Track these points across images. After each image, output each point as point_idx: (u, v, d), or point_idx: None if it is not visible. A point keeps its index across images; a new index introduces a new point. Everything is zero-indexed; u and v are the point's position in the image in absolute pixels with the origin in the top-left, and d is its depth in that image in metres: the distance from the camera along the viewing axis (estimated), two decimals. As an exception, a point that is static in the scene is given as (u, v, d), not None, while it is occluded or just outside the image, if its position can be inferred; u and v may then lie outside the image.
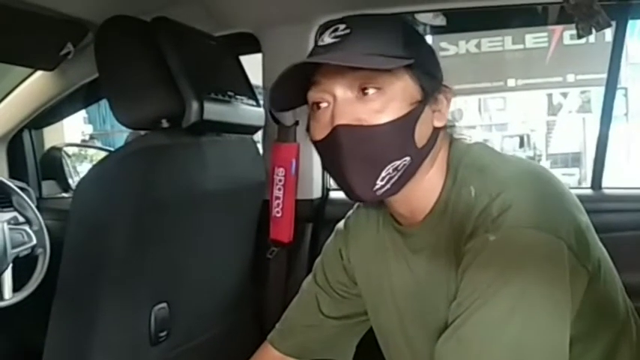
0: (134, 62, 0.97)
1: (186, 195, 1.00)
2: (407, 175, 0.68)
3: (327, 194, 1.41)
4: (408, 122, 0.66)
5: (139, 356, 0.95)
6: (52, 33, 1.24)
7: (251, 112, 1.13)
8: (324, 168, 0.71)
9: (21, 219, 1.29)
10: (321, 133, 0.68)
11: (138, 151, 0.91)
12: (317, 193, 1.37)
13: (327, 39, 0.68)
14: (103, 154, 2.22)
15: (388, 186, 0.67)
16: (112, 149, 2.40)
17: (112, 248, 0.89)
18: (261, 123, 1.17)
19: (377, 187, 0.66)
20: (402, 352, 0.79)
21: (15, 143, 1.63)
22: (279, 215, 1.32)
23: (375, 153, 0.65)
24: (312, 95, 0.69)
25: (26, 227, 1.26)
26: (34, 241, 1.23)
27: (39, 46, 1.29)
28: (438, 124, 0.70)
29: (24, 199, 1.26)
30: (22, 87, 1.50)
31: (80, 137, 3.76)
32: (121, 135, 4.30)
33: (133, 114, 0.97)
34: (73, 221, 0.90)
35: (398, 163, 0.66)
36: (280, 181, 1.31)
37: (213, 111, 0.99)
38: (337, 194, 1.43)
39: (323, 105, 0.68)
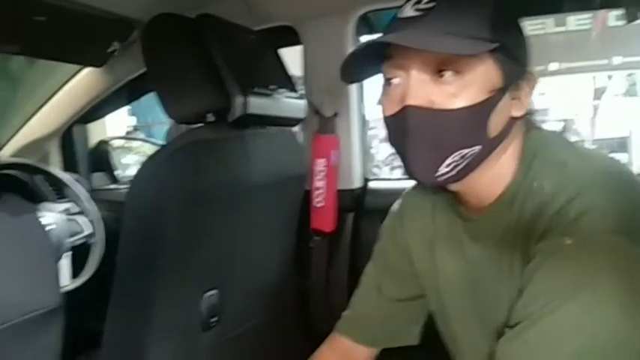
0: (181, 59, 1.00)
1: (233, 187, 1.03)
2: (474, 164, 0.64)
3: (367, 184, 1.42)
4: (483, 110, 0.62)
5: (191, 341, 1.00)
6: (99, 31, 1.29)
7: (292, 104, 1.15)
8: (390, 143, 0.69)
9: (76, 209, 1.36)
10: (390, 109, 0.65)
11: (186, 146, 0.95)
12: (357, 183, 1.39)
13: (409, 11, 0.63)
14: (147, 146, 2.30)
15: (452, 173, 0.64)
16: (155, 141, 2.48)
17: (166, 238, 0.93)
18: (302, 115, 1.19)
19: (439, 172, 0.63)
20: (456, 337, 0.78)
21: (66, 137, 1.71)
22: (320, 205, 1.34)
23: (443, 138, 0.62)
24: (386, 70, 0.65)
25: (81, 217, 1.32)
26: (89, 231, 1.29)
27: (87, 44, 1.34)
28: (515, 113, 0.66)
29: (79, 191, 1.33)
30: (72, 83, 1.56)
31: (125, 129, 3.88)
32: (161, 127, 4.41)
33: (181, 109, 1.01)
34: (129, 213, 0.94)
35: (466, 151, 0.62)
36: (321, 171, 1.33)
37: (257, 105, 1.01)
38: (377, 184, 1.44)
39: (395, 81, 0.64)
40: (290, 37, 1.32)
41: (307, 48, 1.31)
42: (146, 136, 4.06)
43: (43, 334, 0.53)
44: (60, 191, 1.35)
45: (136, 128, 4.44)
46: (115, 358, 0.96)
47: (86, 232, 1.29)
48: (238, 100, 0.98)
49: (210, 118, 1.03)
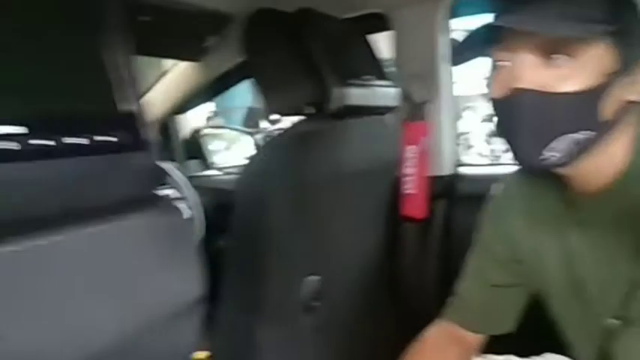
0: (280, 53, 1.04)
1: (332, 176, 1.06)
2: (587, 149, 0.62)
3: (458, 170, 1.40)
4: (596, 95, 0.60)
5: (295, 322, 1.06)
6: (196, 27, 1.36)
7: (386, 92, 1.16)
8: (496, 127, 0.68)
9: (176, 195, 1.46)
10: (498, 91, 0.64)
11: (292, 139, 0.99)
12: (448, 169, 1.37)
13: None
14: (232, 133, 2.40)
15: (564, 157, 0.62)
16: (239, 128, 2.58)
17: (273, 226, 0.98)
18: (395, 103, 1.19)
19: (546, 156, 0.62)
20: (561, 321, 0.78)
21: (162, 128, 1.82)
22: (411, 192, 1.35)
23: (552, 123, 0.60)
24: (495, 52, 0.64)
25: (180, 203, 1.42)
26: (188, 216, 1.38)
27: (186, 40, 1.41)
28: (632, 97, 0.63)
29: (179, 178, 1.41)
30: (168, 77, 1.66)
31: (206, 115, 4.06)
32: (238, 112, 4.56)
33: (280, 102, 1.05)
34: (239, 202, 1.00)
35: (579, 136, 0.61)
36: (411, 158, 1.33)
37: (354, 96, 1.03)
38: (468, 170, 1.42)
39: (505, 64, 0.63)
40: (379, 23, 1.31)
41: (398, 34, 1.30)
42: (225, 121, 4.21)
43: (188, 324, 0.59)
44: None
45: (215, 113, 4.62)
46: (225, 340, 1.03)
47: (185, 218, 1.38)
48: (337, 92, 1.01)
49: (309, 110, 1.06)
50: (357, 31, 1.18)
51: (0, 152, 0.36)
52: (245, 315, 1.01)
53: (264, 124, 3.87)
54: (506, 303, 0.88)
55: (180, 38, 1.40)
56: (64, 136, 0.40)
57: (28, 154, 0.38)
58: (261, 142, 2.69)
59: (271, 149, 1.00)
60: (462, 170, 1.41)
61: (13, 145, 0.37)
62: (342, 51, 1.09)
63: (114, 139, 0.43)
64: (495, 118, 0.67)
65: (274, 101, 1.05)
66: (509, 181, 0.85)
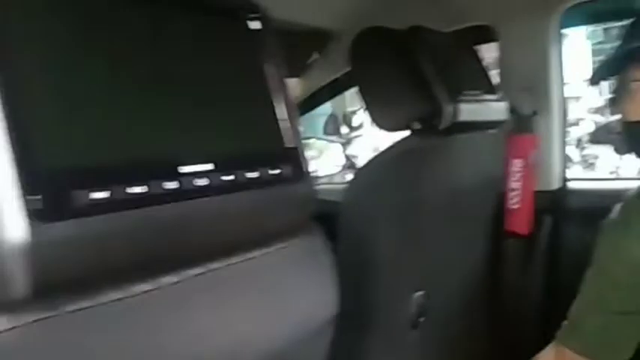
0: (389, 69, 1.05)
1: (440, 192, 1.05)
2: None
3: (566, 185, 1.34)
4: None
5: (403, 337, 1.06)
6: (302, 44, 1.40)
7: (495, 107, 1.13)
8: (631, 150, 0.65)
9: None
10: (637, 114, 0.62)
11: (400, 155, 1.00)
12: (556, 183, 1.32)
13: None
14: (322, 142, 2.45)
15: None
16: (327, 138, 2.62)
17: (381, 242, 0.99)
18: (504, 117, 1.16)
19: None
20: None
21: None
22: (516, 207, 1.31)
23: None
24: (634, 71, 0.62)
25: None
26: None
27: (293, 57, 1.46)
28: None
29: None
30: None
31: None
32: (319, 119, 4.63)
33: (388, 117, 1.06)
34: (346, 218, 1.02)
35: None
36: (518, 172, 1.29)
37: (465, 112, 1.02)
38: (577, 184, 1.35)
39: None
40: (484, 34, 1.29)
41: (505, 46, 1.27)
42: (306, 129, 4.30)
43: (321, 342, 0.61)
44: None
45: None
46: (331, 356, 1.05)
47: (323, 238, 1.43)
48: (448, 108, 1.00)
49: (417, 126, 1.06)
50: (464, 43, 1.16)
51: (195, 188, 0.40)
52: (353, 331, 1.02)
53: (344, 131, 3.90)
54: (627, 331, 0.83)
55: (287, 56, 1.45)
56: (242, 171, 0.43)
57: (215, 189, 0.42)
58: (349, 152, 2.72)
59: (380, 164, 1.01)
60: (571, 184, 1.34)
61: (204, 182, 0.41)
62: (452, 65, 1.08)
63: (282, 172, 0.46)
64: (630, 141, 0.64)
65: (381, 116, 1.06)
66: (629, 200, 0.81)
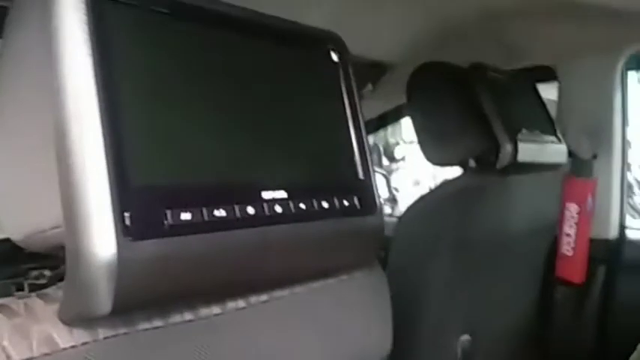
0: (447, 104, 1.04)
1: (494, 233, 1.02)
2: None
3: (624, 233, 1.28)
4: None
5: (446, 382, 1.01)
6: (357, 76, 1.40)
7: (554, 149, 1.10)
8: None
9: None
10: None
11: (457, 192, 0.97)
12: (613, 231, 1.26)
13: None
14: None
15: None
16: (378, 170, 2.62)
17: (431, 280, 0.96)
18: (563, 160, 1.12)
19: None
20: None
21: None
22: (569, 254, 1.25)
23: None
24: None
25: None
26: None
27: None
28: None
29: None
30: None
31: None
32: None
33: (441, 152, 1.04)
34: (397, 250, 1.00)
35: None
36: (573, 217, 1.25)
37: (525, 152, 0.99)
38: (636, 234, 1.29)
39: None
40: (545, 73, 1.27)
41: (565, 87, 1.24)
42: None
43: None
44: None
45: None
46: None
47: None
48: (507, 147, 0.97)
49: (472, 163, 1.04)
50: (525, 82, 1.14)
51: (274, 214, 0.40)
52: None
53: (384, 163, 3.89)
54: None
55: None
56: (317, 200, 0.43)
57: (290, 217, 0.41)
58: (392, 182, 2.69)
59: (435, 199, 0.99)
60: (630, 234, 1.28)
61: (282, 208, 0.41)
62: (512, 104, 1.06)
63: (354, 203, 0.45)
64: None
65: (434, 150, 1.04)
66: None
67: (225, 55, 0.40)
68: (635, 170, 4.05)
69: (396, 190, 3.05)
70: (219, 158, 0.38)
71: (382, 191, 2.19)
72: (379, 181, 2.14)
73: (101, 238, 0.32)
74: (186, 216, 0.35)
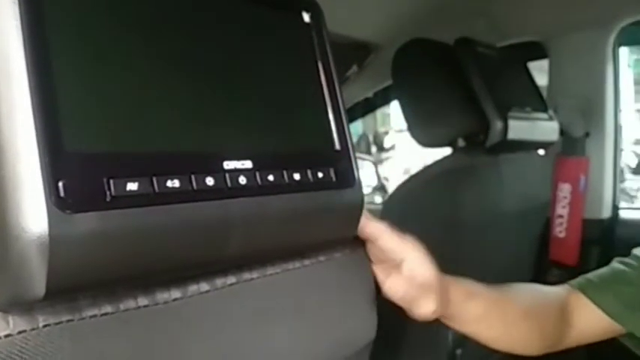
0: (433, 83, 1.00)
1: (484, 215, 0.99)
2: None
3: (618, 214, 1.25)
4: None
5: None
6: (342, 56, 1.36)
7: (546, 126, 1.07)
8: None
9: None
10: None
11: (443, 173, 0.94)
12: (607, 211, 1.23)
13: None
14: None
15: None
16: (362, 156, 2.57)
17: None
18: (555, 138, 1.09)
19: None
20: None
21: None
22: (562, 235, 1.23)
23: None
24: None
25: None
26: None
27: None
28: None
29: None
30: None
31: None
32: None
33: (430, 133, 1.00)
34: None
35: None
36: (565, 198, 1.22)
37: (516, 130, 0.96)
38: (629, 214, 1.27)
39: None
40: (534, 51, 1.23)
41: (556, 63, 1.20)
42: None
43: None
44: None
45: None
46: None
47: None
48: (498, 125, 0.94)
49: (461, 143, 1.00)
50: (515, 59, 1.11)
51: (238, 186, 0.36)
52: (386, 357, 0.96)
53: (374, 152, 3.85)
54: None
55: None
56: (286, 171, 0.39)
57: (257, 189, 0.37)
58: (382, 172, 2.65)
59: (422, 181, 0.96)
60: (623, 214, 1.26)
61: (246, 179, 0.36)
62: (502, 81, 1.02)
63: (329, 175, 0.41)
64: None
65: (423, 131, 1.00)
66: None
67: (178, 10, 0.36)
68: (626, 155, 4.05)
69: (386, 179, 3.02)
70: (173, 122, 0.33)
71: (371, 179, 2.15)
72: (367, 169, 2.09)
73: (30, 211, 0.28)
74: (132, 186, 0.30)
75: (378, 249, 0.50)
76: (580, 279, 0.68)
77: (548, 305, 0.65)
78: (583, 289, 0.65)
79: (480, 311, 0.60)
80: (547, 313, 0.64)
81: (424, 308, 0.52)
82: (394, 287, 0.49)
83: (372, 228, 0.49)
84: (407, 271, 0.50)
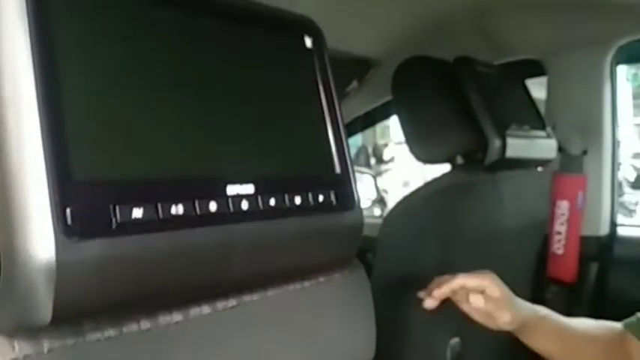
0: (432, 100, 1.01)
1: (483, 231, 0.99)
2: None
3: (616, 231, 1.26)
4: None
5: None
6: (342, 72, 1.38)
7: (544, 144, 1.07)
8: None
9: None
10: None
11: (443, 190, 0.94)
12: (604, 229, 1.24)
13: None
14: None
15: None
16: (362, 170, 2.58)
17: (418, 278, 0.93)
18: (553, 155, 1.10)
19: None
20: None
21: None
22: (560, 252, 1.23)
23: None
24: None
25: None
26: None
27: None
28: None
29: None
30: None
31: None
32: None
33: (428, 149, 1.01)
34: (383, 249, 0.97)
35: None
36: (563, 215, 1.22)
37: (514, 148, 0.96)
38: (627, 231, 1.27)
39: None
40: (533, 68, 1.24)
41: (554, 81, 1.22)
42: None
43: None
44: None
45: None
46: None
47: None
48: (496, 143, 0.95)
49: (460, 160, 1.01)
50: (513, 77, 1.12)
51: (241, 211, 0.36)
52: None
53: (373, 164, 3.86)
54: None
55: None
56: (288, 195, 0.39)
57: (258, 213, 0.38)
58: (381, 184, 2.65)
59: (421, 198, 0.96)
60: (621, 231, 1.26)
61: (249, 204, 0.37)
62: (501, 99, 1.03)
63: (329, 199, 0.42)
64: None
65: (421, 148, 1.01)
66: None
67: (182, 36, 0.37)
68: (625, 169, 4.07)
69: (385, 191, 3.03)
70: (177, 149, 0.34)
71: (370, 192, 2.15)
72: (366, 182, 2.09)
73: (38, 238, 0.28)
74: (137, 213, 0.31)
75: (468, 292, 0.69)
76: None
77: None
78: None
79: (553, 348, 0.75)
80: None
81: (502, 319, 0.71)
82: (476, 302, 0.69)
83: (454, 283, 0.71)
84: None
